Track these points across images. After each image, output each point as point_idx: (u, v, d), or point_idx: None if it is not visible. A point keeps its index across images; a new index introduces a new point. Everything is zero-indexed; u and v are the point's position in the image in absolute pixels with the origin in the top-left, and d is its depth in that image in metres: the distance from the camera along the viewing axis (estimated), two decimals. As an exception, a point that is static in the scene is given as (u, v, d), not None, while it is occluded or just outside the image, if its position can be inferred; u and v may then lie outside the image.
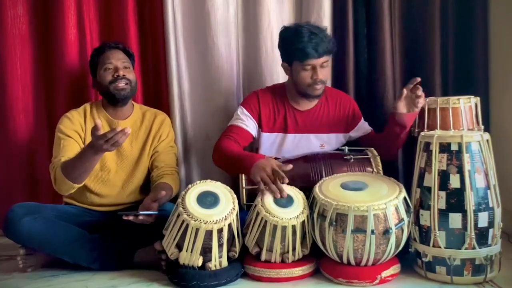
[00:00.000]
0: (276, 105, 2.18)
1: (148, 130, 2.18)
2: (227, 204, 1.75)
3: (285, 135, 2.18)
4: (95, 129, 1.75)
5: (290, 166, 1.85)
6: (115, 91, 2.08)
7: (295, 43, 2.03)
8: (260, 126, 2.18)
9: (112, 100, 2.12)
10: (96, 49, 2.20)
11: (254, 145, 2.27)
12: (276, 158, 2.17)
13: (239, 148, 2.08)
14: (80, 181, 1.94)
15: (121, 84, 2.09)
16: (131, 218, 1.80)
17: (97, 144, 1.75)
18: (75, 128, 2.09)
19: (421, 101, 2.01)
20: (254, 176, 1.84)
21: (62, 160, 1.96)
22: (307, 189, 1.86)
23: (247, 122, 2.15)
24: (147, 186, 2.16)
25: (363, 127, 2.25)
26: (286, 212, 1.76)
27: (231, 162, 2.01)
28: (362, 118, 2.26)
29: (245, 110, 2.16)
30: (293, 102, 2.18)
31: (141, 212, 1.80)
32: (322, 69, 2.06)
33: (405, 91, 2.01)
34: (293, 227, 1.74)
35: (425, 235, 1.73)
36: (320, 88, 2.09)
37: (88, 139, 2.09)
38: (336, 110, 2.21)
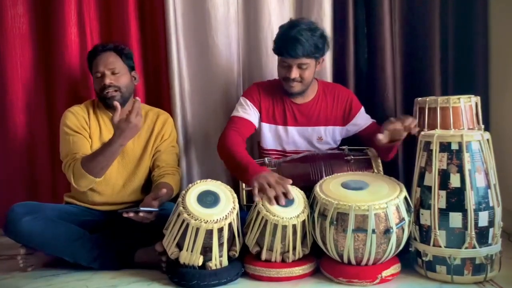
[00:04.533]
0: (275, 97, 2.21)
1: (150, 130, 2.18)
2: (228, 204, 1.75)
3: (286, 127, 2.21)
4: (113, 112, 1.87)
5: (289, 181, 1.82)
6: (106, 99, 2.08)
7: (278, 38, 2.09)
8: (260, 116, 2.20)
9: (107, 106, 2.12)
10: (90, 52, 2.18)
11: (256, 137, 2.28)
12: (278, 152, 2.17)
13: (244, 148, 2.06)
14: (101, 175, 1.97)
15: (110, 93, 2.07)
16: (131, 215, 1.80)
17: (117, 124, 1.84)
18: (81, 123, 2.09)
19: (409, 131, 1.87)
20: (254, 182, 1.81)
21: (77, 157, 1.97)
22: (307, 188, 1.86)
23: (249, 112, 2.17)
24: (148, 185, 2.16)
25: (361, 121, 2.21)
26: (286, 211, 1.76)
27: (235, 163, 1.97)
28: (362, 110, 2.23)
29: (247, 100, 2.18)
30: (290, 96, 2.20)
31: (141, 209, 1.80)
32: (300, 70, 2.07)
33: (391, 126, 1.89)
34: (294, 226, 1.74)
35: (425, 234, 1.73)
36: (295, 86, 2.11)
37: (92, 134, 2.09)
38: (334, 104, 2.21)
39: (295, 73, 2.06)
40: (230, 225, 1.72)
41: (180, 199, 1.73)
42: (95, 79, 2.12)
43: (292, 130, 2.21)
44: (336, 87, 2.28)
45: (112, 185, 2.11)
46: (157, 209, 1.84)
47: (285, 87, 2.13)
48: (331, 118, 2.21)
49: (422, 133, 1.82)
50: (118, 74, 2.10)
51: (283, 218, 1.73)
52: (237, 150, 1.99)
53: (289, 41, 2.02)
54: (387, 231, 1.67)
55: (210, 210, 1.71)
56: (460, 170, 1.66)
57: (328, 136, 2.22)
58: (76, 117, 2.10)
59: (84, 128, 2.09)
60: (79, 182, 1.96)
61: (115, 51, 2.14)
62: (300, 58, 2.03)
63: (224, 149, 2.04)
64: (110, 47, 2.14)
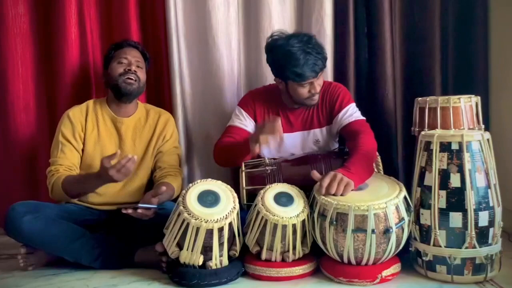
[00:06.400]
0: (269, 105, 2.19)
1: (152, 130, 2.18)
2: (228, 203, 1.75)
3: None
4: (107, 158, 1.79)
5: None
6: (123, 83, 2.09)
7: (290, 66, 1.97)
8: (255, 125, 2.18)
9: (118, 94, 2.11)
10: (116, 43, 2.22)
11: None
12: (274, 159, 2.17)
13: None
14: (77, 198, 2.05)
15: (130, 79, 2.10)
16: (130, 211, 1.81)
17: (108, 176, 1.79)
18: (76, 130, 2.09)
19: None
20: (252, 142, 1.90)
21: (61, 171, 2.01)
22: (307, 188, 1.86)
23: (245, 122, 2.17)
24: (150, 186, 2.16)
25: (343, 119, 2.10)
26: (286, 211, 1.76)
27: (233, 151, 2.04)
28: (349, 107, 2.12)
29: (242, 110, 2.18)
30: (286, 102, 2.17)
31: (140, 205, 1.81)
32: (318, 80, 2.06)
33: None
34: (294, 226, 1.74)
35: (425, 234, 1.73)
36: (317, 97, 2.10)
37: (88, 138, 2.10)
38: (323, 103, 2.17)
39: (319, 86, 2.07)
40: (230, 224, 1.72)
41: (180, 199, 1.74)
42: (116, 64, 2.13)
43: (288, 136, 2.18)
44: (326, 85, 2.18)
45: (113, 186, 2.10)
46: (155, 206, 1.84)
47: (307, 102, 2.09)
48: (325, 118, 2.17)
49: (423, 133, 1.82)
50: (141, 69, 2.17)
51: (283, 217, 1.73)
52: (232, 143, 2.06)
53: (307, 63, 1.96)
54: (387, 231, 1.67)
55: (210, 209, 1.71)
56: (460, 170, 1.66)
57: (325, 137, 2.20)
58: (73, 122, 2.10)
59: (79, 135, 2.10)
60: (55, 195, 2.03)
61: (142, 53, 2.22)
62: (320, 72, 2.03)
63: (219, 150, 2.10)
64: (139, 47, 2.23)
